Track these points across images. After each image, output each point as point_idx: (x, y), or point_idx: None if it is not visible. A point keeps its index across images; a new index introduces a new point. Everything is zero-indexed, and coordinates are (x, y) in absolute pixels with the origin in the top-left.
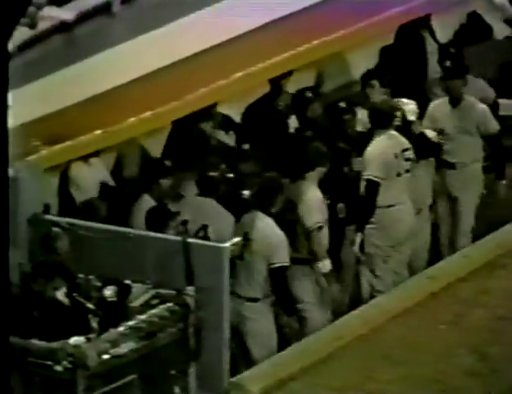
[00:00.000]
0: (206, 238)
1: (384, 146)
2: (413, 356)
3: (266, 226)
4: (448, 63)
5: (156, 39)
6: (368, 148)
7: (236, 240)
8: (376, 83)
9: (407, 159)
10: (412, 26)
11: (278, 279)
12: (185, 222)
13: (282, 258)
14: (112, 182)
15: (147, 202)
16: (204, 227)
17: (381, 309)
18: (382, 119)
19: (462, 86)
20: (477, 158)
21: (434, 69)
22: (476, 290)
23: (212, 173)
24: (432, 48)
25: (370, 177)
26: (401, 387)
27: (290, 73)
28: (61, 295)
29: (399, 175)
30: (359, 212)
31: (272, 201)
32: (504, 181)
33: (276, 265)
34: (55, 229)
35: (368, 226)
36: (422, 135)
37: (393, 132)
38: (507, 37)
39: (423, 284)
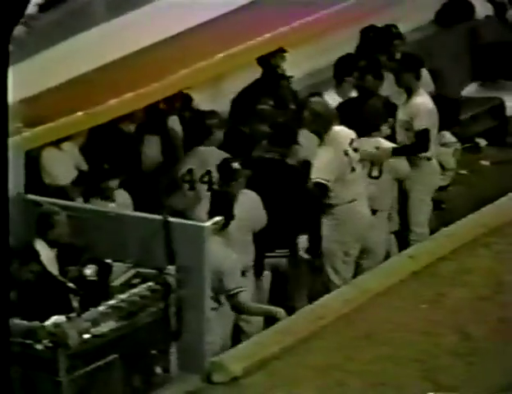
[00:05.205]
0: (210, 182)
1: (332, 150)
2: (395, 336)
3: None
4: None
5: (137, 20)
6: (320, 150)
7: (217, 219)
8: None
9: (355, 150)
10: None
11: None
12: (190, 171)
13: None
14: (84, 166)
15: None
16: (208, 173)
17: (362, 289)
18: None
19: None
20: None
21: None
22: (458, 270)
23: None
24: None
25: (317, 180)
26: (383, 367)
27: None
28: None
29: (353, 170)
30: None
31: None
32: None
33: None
34: (52, 207)
35: (327, 223)
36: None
37: (338, 127)
38: (487, 16)
39: (405, 263)
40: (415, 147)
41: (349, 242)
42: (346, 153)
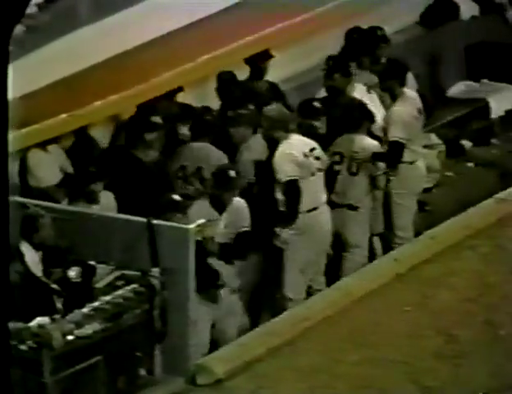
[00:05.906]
0: (202, 179)
1: (291, 147)
2: (380, 338)
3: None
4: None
5: (123, 21)
6: (277, 153)
7: (201, 221)
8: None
9: (317, 158)
10: None
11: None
12: (183, 167)
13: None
14: (70, 168)
15: None
16: (199, 170)
17: (347, 291)
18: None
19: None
20: None
21: None
22: (443, 272)
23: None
24: None
25: (288, 178)
26: (368, 369)
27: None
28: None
29: (313, 174)
30: (282, 215)
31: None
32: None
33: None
34: (37, 210)
35: (289, 232)
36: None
37: (296, 135)
38: (473, 17)
39: (390, 266)
40: (388, 157)
41: (313, 251)
42: (306, 156)
